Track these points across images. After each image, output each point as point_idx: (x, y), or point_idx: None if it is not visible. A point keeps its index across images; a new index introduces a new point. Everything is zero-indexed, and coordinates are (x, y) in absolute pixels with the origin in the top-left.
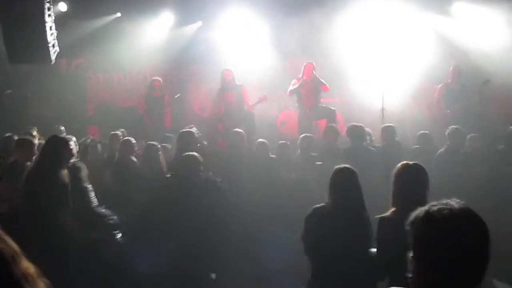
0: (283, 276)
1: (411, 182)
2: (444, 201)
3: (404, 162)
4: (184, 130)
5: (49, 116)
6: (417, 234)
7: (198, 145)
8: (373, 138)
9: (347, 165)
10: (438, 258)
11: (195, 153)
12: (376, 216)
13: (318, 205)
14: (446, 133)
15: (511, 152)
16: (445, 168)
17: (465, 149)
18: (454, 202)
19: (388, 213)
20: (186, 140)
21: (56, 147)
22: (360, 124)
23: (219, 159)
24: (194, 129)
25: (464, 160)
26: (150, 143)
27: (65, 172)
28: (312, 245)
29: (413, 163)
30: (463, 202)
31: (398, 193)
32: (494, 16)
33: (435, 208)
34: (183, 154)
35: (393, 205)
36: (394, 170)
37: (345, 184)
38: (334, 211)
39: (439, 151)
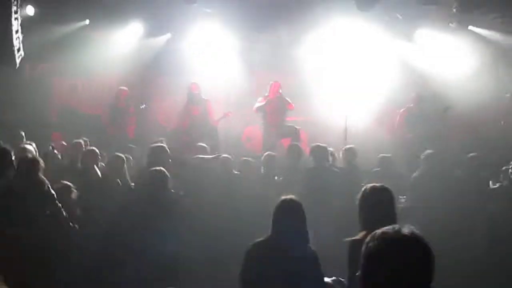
0: None
1: (380, 204)
2: (396, 226)
3: (371, 184)
4: (155, 145)
5: (10, 120)
6: (363, 253)
7: (170, 160)
8: (336, 158)
9: (293, 196)
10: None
11: (162, 168)
12: (345, 240)
13: (258, 240)
14: (422, 156)
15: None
16: (422, 191)
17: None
18: (406, 227)
19: (358, 236)
20: (158, 155)
21: None
22: (324, 145)
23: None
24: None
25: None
26: (116, 154)
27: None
28: (251, 285)
29: (379, 185)
30: (412, 228)
31: (367, 215)
32: (456, 44)
33: (384, 230)
34: (152, 169)
35: (363, 228)
36: (361, 193)
37: (290, 215)
38: (276, 245)
39: (414, 175)
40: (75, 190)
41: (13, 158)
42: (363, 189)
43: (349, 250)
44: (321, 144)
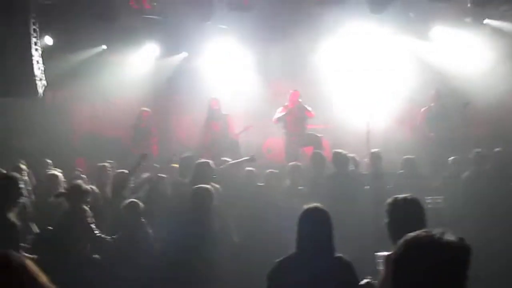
0: None
1: (409, 218)
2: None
3: (402, 196)
4: (201, 161)
5: (35, 148)
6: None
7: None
8: (358, 163)
9: (317, 205)
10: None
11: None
12: (376, 254)
13: (281, 258)
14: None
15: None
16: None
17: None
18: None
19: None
20: (203, 171)
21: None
22: (343, 151)
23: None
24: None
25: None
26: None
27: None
28: None
29: (410, 197)
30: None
31: (397, 229)
32: (472, 38)
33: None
34: (198, 186)
35: (394, 242)
36: (391, 203)
37: (315, 228)
38: (302, 263)
39: (465, 174)
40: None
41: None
42: (392, 199)
43: (384, 265)
44: (339, 151)
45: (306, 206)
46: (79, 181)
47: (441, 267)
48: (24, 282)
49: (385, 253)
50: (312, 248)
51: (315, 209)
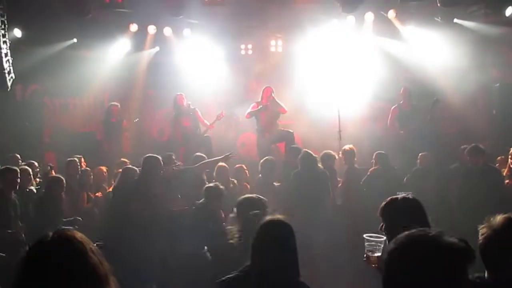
0: None
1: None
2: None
3: (403, 195)
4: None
5: (3, 143)
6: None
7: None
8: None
9: (280, 217)
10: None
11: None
12: (365, 236)
13: (228, 276)
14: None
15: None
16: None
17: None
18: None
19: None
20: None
21: None
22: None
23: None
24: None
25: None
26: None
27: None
28: None
29: (412, 197)
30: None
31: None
32: (442, 37)
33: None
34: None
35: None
36: (390, 203)
37: (278, 244)
38: (256, 282)
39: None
40: None
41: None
42: (391, 199)
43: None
44: (309, 151)
45: (268, 218)
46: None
47: (437, 269)
48: (87, 253)
49: (373, 235)
50: (271, 270)
51: (280, 224)
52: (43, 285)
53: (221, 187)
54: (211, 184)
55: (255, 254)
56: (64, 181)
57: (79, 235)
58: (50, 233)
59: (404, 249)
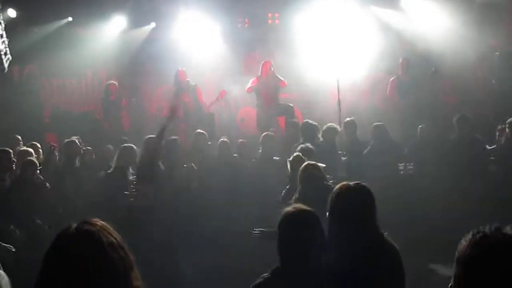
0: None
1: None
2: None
3: (345, 184)
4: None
5: (3, 125)
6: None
7: None
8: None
9: (302, 207)
10: None
11: None
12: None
13: (262, 279)
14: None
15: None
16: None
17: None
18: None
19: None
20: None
21: None
22: (313, 122)
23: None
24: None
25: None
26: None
27: None
28: None
29: (355, 185)
30: None
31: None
32: (440, 6)
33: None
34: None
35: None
36: (334, 194)
37: (303, 236)
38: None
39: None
40: None
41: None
42: (336, 188)
43: None
44: (309, 121)
45: (287, 209)
46: None
47: None
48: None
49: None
50: (302, 266)
51: (301, 212)
52: (62, 280)
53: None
54: None
55: (282, 254)
56: (36, 163)
57: (98, 227)
58: (72, 226)
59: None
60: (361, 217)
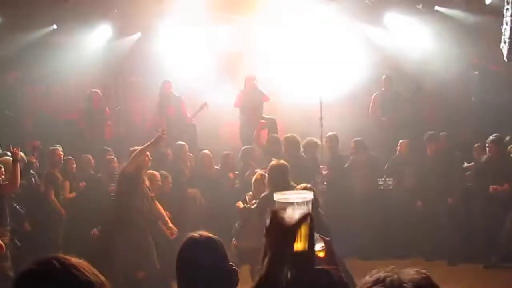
0: None
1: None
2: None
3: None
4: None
5: None
6: None
7: None
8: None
9: (205, 234)
10: None
11: None
12: None
13: None
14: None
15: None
16: None
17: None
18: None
19: None
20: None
21: None
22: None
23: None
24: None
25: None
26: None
27: None
28: None
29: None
30: None
31: None
32: (423, 25)
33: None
34: None
35: None
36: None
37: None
38: None
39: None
40: None
41: None
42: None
43: None
44: (290, 135)
45: (191, 235)
46: None
47: None
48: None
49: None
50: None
51: (203, 241)
52: None
53: None
54: None
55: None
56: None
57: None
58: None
59: None
60: None
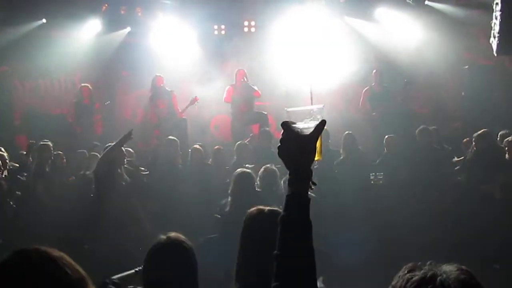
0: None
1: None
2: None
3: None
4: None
5: None
6: None
7: None
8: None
9: (177, 236)
10: None
11: None
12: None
13: None
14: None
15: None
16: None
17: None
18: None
19: None
20: None
21: None
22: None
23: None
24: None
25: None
26: None
27: None
28: None
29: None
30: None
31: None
32: (414, 19)
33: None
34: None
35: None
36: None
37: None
38: None
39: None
40: None
41: None
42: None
43: None
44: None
45: (161, 237)
46: None
47: None
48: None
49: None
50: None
51: (173, 244)
52: None
53: None
54: None
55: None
56: None
57: (36, 255)
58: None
59: None
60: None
